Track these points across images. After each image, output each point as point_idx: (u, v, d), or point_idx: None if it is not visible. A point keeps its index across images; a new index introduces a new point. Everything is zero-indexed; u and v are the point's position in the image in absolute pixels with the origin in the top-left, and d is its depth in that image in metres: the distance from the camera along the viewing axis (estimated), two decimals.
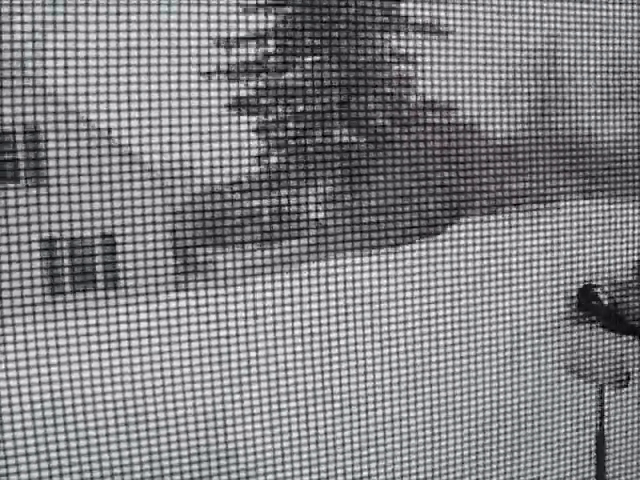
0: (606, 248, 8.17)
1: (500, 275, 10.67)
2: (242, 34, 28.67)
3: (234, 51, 31.10)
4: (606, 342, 7.22)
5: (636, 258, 7.61)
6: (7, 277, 17.77)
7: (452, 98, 31.06)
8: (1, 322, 12.40)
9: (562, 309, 8.28)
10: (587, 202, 17.32)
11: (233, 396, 7.16)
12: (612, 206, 15.33)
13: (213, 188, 33.99)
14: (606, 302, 7.91)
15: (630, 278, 7.80)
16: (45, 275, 19.85)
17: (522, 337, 7.88)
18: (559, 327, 7.87)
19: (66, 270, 19.51)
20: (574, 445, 6.99)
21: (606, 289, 7.86)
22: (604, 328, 7.83)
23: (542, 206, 16.36)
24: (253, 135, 33.19)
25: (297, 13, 31.13)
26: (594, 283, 8.03)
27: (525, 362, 6.99)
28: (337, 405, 6.86)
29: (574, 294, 8.19)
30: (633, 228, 10.28)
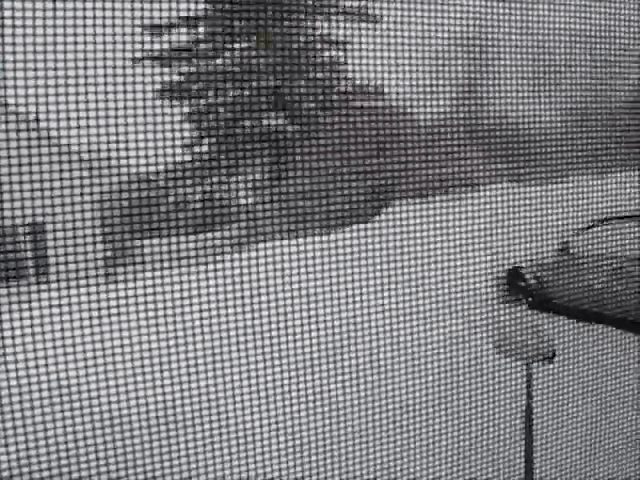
0: (532, 232, 8.40)
1: (431, 259, 10.87)
2: (172, 20, 28.08)
3: (164, 37, 30.67)
4: (532, 320, 7.47)
5: (560, 240, 7.85)
6: None
7: (380, 83, 30.73)
8: None
9: (492, 290, 8.50)
10: (514, 185, 17.73)
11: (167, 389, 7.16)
12: (537, 189, 15.74)
13: (142, 177, 33.44)
14: (532, 282, 8.14)
15: (554, 259, 8.02)
16: None
17: (453, 319, 8.05)
18: (488, 307, 8.08)
19: None
20: (503, 422, 7.24)
21: (533, 270, 8.09)
22: (531, 307, 8.08)
23: (470, 190, 16.69)
24: (183, 123, 32.57)
25: None
26: (521, 265, 8.25)
27: (456, 344, 7.16)
28: (254, 395, 6.92)
29: (503, 275, 8.40)
30: (557, 211, 10.60)
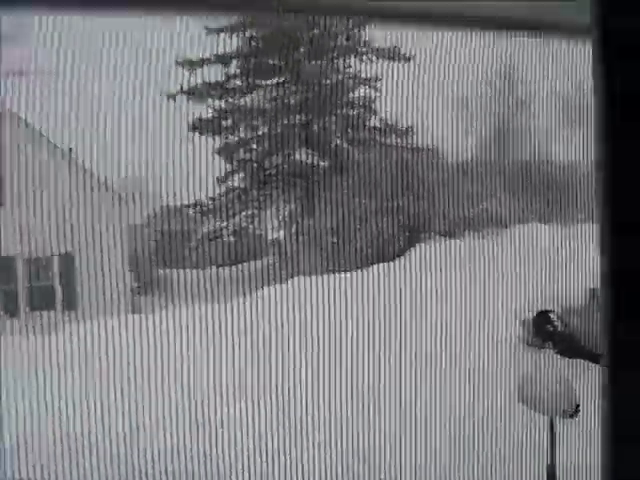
0: (562, 274, 8.29)
1: (457, 301, 10.78)
2: (206, 55, 28.36)
3: (198, 72, 30.68)
4: (557, 368, 7.28)
5: (590, 285, 7.71)
6: None
7: (412, 122, 31.04)
8: None
9: (518, 334, 8.40)
10: (543, 225, 17.60)
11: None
12: (568, 229, 15.60)
13: (174, 209, 33.26)
14: (560, 328, 8.02)
15: (584, 304, 7.88)
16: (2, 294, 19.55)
17: (477, 363, 7.93)
18: (514, 353, 7.95)
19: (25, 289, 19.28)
20: (526, 476, 7.02)
21: (561, 314, 7.96)
22: (558, 353, 7.96)
23: (498, 229, 16.59)
24: (216, 156, 32.58)
25: (261, 35, 31.06)
26: (549, 309, 8.14)
27: (480, 389, 7.01)
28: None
29: (530, 319, 8.29)
30: (588, 254, 10.45)
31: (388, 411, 7.28)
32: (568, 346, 7.97)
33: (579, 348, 7.84)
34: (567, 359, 7.80)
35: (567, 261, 9.93)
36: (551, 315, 8.16)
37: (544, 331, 8.17)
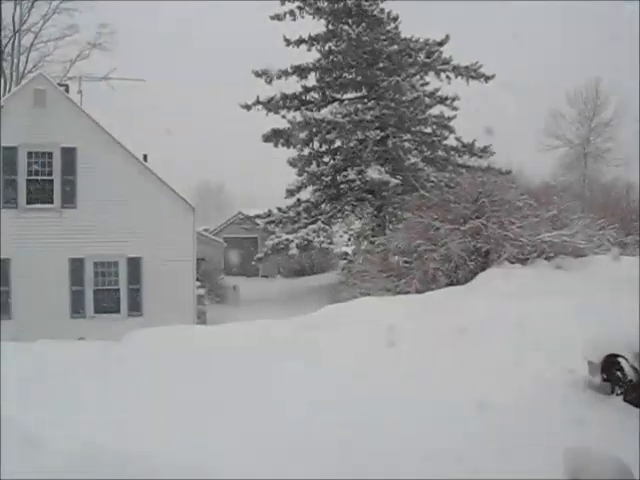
0: (635, 314, 7.83)
1: (523, 332, 10.39)
2: (284, 67, 28.47)
3: (275, 83, 30.61)
4: (625, 416, 6.77)
5: None
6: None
7: (489, 142, 30.24)
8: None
9: (585, 376, 7.98)
10: (623, 257, 16.85)
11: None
12: None
13: (245, 217, 33.28)
14: (630, 374, 7.58)
15: None
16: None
17: (534, 401, 7.56)
18: (577, 397, 7.53)
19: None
20: None
21: (631, 360, 7.53)
22: (626, 400, 7.51)
23: (572, 259, 15.99)
24: (288, 168, 32.46)
25: (339, 50, 30.96)
26: (618, 353, 7.71)
27: (533, 431, 6.63)
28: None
29: (598, 363, 7.87)
30: None
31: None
32: (637, 395, 7.50)
33: None
34: (634, 408, 7.33)
35: None
36: (620, 360, 7.69)
37: (612, 376, 7.72)
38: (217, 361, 10.25)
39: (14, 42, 35.10)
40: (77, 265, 19.36)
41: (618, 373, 7.51)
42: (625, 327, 7.76)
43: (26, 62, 35.76)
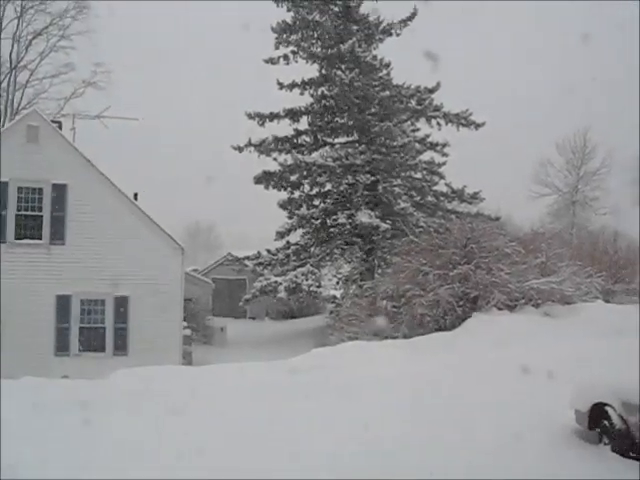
0: (625, 362, 7.79)
1: (511, 380, 10.34)
2: (276, 110, 28.70)
3: (267, 126, 30.98)
4: (611, 467, 6.66)
5: None
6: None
7: (478, 189, 30.60)
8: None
9: (572, 425, 7.92)
10: (608, 306, 16.88)
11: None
12: (634, 311, 14.90)
13: (234, 259, 33.34)
14: (618, 424, 7.52)
15: None
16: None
17: (523, 454, 7.48)
18: (566, 447, 7.44)
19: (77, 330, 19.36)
20: None
21: (620, 409, 7.48)
22: (613, 450, 7.45)
23: (560, 306, 16.01)
24: (278, 210, 32.47)
25: (331, 94, 31.29)
26: (605, 401, 7.66)
27: None
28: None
29: (586, 411, 7.81)
30: None
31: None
32: (625, 445, 7.42)
33: (637, 446, 7.30)
34: (622, 459, 7.25)
35: (633, 348, 9.39)
36: (608, 409, 7.63)
37: (600, 426, 7.64)
38: (201, 403, 10.14)
39: (10, 79, 35.37)
40: (64, 302, 19.20)
41: (605, 422, 7.45)
42: (612, 375, 7.73)
43: (21, 98, 35.99)
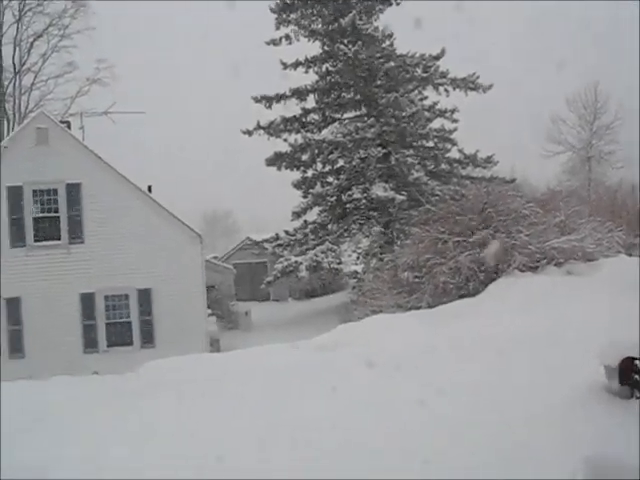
0: None
1: (538, 342, 10.30)
2: (282, 91, 28.75)
3: (274, 107, 31.00)
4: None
5: None
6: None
7: (491, 153, 30.36)
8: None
9: (602, 381, 7.89)
10: (632, 259, 16.73)
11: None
12: None
13: (253, 242, 33.62)
14: None
15: None
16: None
17: (554, 412, 7.47)
18: (596, 402, 7.42)
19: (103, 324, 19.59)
20: None
21: None
22: None
23: (582, 264, 15.88)
24: (293, 190, 32.78)
25: (336, 70, 31.26)
26: (635, 356, 7.62)
27: (551, 445, 6.51)
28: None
29: (615, 366, 7.78)
30: None
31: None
32: None
33: None
34: None
35: None
36: (638, 363, 7.60)
37: (631, 380, 7.62)
38: (232, 388, 10.20)
39: (15, 83, 35.57)
40: (88, 300, 19.47)
41: (636, 376, 7.42)
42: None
43: (27, 102, 36.29)
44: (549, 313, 12.16)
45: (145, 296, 19.35)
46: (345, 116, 30.99)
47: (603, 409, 7.31)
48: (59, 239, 19.11)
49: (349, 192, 29.38)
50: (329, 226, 30.59)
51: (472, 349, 10.94)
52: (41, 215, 19.13)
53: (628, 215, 23.50)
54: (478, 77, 30.21)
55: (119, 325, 19.39)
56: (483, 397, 8.29)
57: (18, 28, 35.16)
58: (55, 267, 19.05)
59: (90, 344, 19.14)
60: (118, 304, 19.32)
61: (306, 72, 30.77)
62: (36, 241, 18.97)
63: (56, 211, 19.08)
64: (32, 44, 35.59)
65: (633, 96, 35.03)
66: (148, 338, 19.40)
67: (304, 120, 30.35)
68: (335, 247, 29.71)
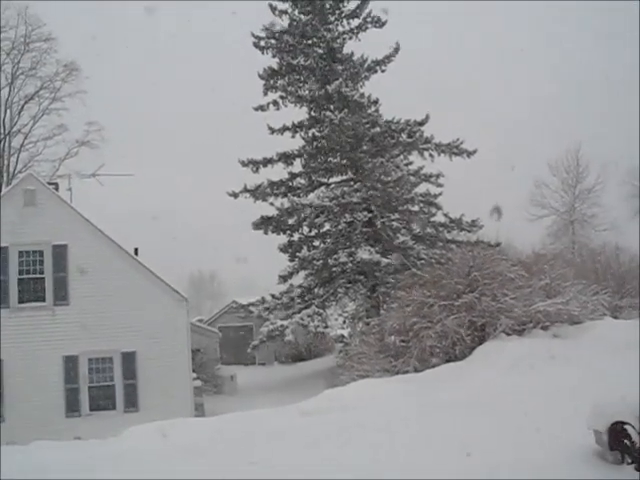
0: (636, 377, 7.70)
1: (527, 406, 10.24)
2: (269, 155, 29.00)
3: (261, 171, 31.17)
4: None
5: None
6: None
7: (476, 217, 30.58)
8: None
9: (592, 446, 7.80)
10: (617, 322, 16.76)
11: None
12: None
13: (238, 306, 33.28)
14: (638, 441, 7.40)
15: None
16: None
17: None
18: (590, 470, 7.30)
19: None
20: None
21: (637, 427, 7.36)
22: (637, 469, 7.34)
23: (568, 327, 15.90)
24: (280, 254, 32.64)
25: (323, 135, 31.56)
26: (623, 420, 7.54)
27: None
28: None
29: (604, 431, 7.68)
30: None
31: None
32: None
33: None
34: None
35: None
36: (627, 427, 7.51)
37: (621, 445, 7.51)
38: (218, 453, 10.05)
39: (4, 144, 35.68)
40: (71, 362, 19.15)
41: (626, 441, 7.33)
42: (627, 391, 7.65)
43: (16, 163, 36.35)
44: (536, 376, 12.12)
45: (129, 359, 19.12)
46: (331, 180, 31.17)
47: (593, 475, 7.22)
48: (44, 300, 18.91)
49: (335, 256, 29.36)
50: (315, 290, 30.49)
51: (460, 412, 10.88)
52: (26, 277, 18.96)
53: (613, 278, 23.61)
54: (462, 142, 30.60)
55: (102, 389, 19.03)
56: (473, 460, 8.23)
57: (10, 91, 35.48)
58: (39, 329, 18.68)
59: (72, 408, 18.71)
60: (102, 367, 19.06)
61: (293, 137, 31.08)
62: (20, 302, 18.74)
63: (41, 272, 18.94)
64: (23, 106, 35.93)
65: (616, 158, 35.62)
66: (132, 402, 19.05)
67: (291, 184, 30.51)
68: (321, 311, 29.56)
